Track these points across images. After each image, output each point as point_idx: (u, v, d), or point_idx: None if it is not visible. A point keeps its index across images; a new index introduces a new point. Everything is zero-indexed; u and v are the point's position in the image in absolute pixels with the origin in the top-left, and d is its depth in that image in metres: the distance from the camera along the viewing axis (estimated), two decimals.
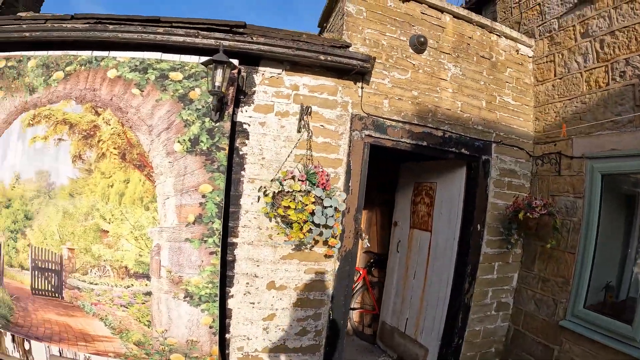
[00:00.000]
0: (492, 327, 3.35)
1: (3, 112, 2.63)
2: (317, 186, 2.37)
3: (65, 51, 2.56)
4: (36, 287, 2.58)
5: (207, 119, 2.41)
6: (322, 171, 2.42)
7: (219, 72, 2.31)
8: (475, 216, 3.16)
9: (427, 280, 3.57)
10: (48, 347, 2.54)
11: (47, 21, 2.63)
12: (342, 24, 2.83)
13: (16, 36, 2.62)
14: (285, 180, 2.36)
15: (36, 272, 2.57)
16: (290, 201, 2.30)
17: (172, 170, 2.39)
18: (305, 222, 2.35)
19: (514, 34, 3.38)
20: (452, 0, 3.63)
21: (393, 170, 4.23)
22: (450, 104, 3.06)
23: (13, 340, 2.61)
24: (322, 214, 2.38)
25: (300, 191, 2.31)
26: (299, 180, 2.33)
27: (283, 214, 2.34)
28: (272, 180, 2.44)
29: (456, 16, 3.14)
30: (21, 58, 2.66)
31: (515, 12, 3.79)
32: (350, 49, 2.74)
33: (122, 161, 2.41)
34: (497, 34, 3.31)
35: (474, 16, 3.22)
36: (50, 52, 2.59)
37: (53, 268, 2.53)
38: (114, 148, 2.42)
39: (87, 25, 2.52)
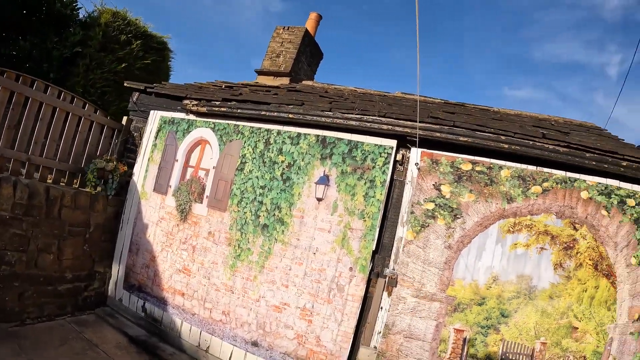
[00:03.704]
0: None
1: (476, 215, 2.85)
2: None
3: (540, 167, 2.90)
4: None
5: None
6: None
7: None
8: None
9: None
10: None
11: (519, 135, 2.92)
12: None
13: (493, 145, 2.87)
14: None
15: None
16: None
17: (628, 279, 2.94)
18: None
19: None
20: None
21: None
22: None
23: None
24: None
25: None
26: None
27: None
28: None
29: None
30: (491, 165, 2.90)
31: None
32: None
33: (594, 271, 2.89)
34: None
35: None
36: (524, 166, 2.90)
37: None
38: (589, 260, 2.88)
39: (567, 149, 2.90)
